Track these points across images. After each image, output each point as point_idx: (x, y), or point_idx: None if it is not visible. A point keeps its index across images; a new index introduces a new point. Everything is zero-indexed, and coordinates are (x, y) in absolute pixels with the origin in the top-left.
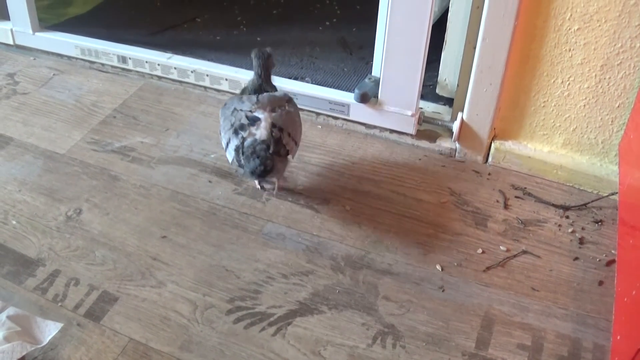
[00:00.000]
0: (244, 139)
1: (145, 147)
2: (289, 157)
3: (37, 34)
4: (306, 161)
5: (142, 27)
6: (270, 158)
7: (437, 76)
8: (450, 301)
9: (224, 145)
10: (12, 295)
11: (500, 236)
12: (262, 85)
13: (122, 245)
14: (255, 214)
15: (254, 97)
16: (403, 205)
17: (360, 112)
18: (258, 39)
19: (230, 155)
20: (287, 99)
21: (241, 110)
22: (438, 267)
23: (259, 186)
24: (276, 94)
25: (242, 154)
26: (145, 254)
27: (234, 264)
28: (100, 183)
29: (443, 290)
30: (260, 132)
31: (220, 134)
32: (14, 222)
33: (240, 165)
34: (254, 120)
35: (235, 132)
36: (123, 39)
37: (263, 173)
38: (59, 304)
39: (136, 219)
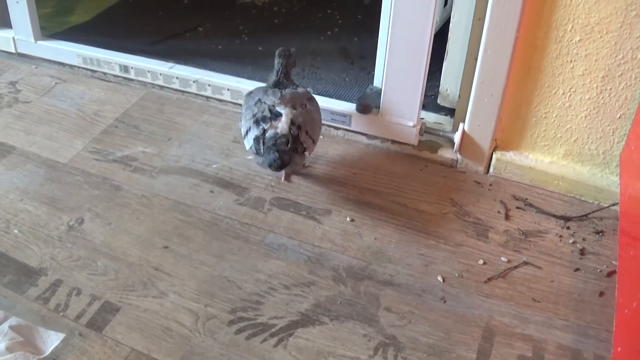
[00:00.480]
0: (265, 130)
1: (147, 157)
2: (306, 153)
3: (39, 42)
4: (308, 172)
5: (144, 35)
6: (287, 153)
7: (438, 86)
8: (452, 312)
9: (242, 133)
10: (14, 305)
11: (501, 247)
12: (282, 81)
13: (124, 255)
14: (256, 225)
15: (278, 92)
16: (404, 216)
17: (362, 123)
18: (260, 48)
19: (248, 143)
20: (309, 97)
21: (265, 102)
22: (439, 278)
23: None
24: (298, 90)
25: (263, 144)
26: (147, 264)
27: (236, 274)
28: (102, 193)
29: (444, 302)
30: (282, 126)
31: (240, 120)
32: (15, 231)
33: (258, 153)
34: (276, 115)
35: (257, 123)
36: (125, 48)
37: (280, 166)
38: (61, 313)
39: (138, 229)
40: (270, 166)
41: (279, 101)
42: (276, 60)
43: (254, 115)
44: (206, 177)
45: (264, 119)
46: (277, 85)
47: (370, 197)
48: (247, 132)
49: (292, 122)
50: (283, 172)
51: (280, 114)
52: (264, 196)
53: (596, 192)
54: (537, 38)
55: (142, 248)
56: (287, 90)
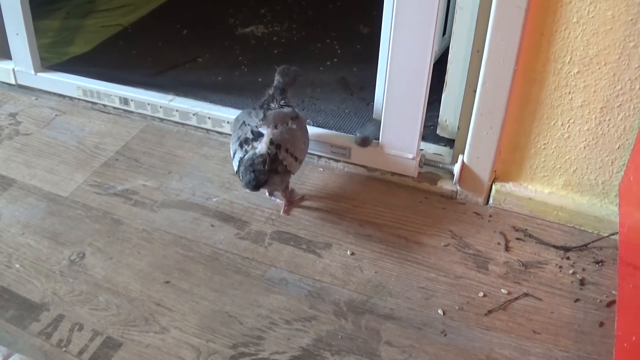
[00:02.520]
0: (246, 152)
1: (148, 191)
2: (290, 172)
3: (39, 74)
4: (308, 205)
5: (144, 66)
6: (263, 172)
7: (437, 117)
8: (452, 346)
9: (231, 155)
10: (17, 341)
11: (501, 279)
12: (275, 97)
13: (125, 291)
14: (257, 259)
15: (261, 113)
16: (405, 249)
17: (362, 155)
18: (259, 79)
19: (235, 165)
20: (293, 116)
21: (248, 125)
22: (440, 311)
23: (269, 196)
24: (284, 110)
25: (240, 166)
26: (149, 299)
27: (237, 309)
28: (103, 227)
29: (445, 335)
30: (261, 146)
31: (230, 144)
32: (17, 266)
33: (238, 174)
34: (258, 135)
35: (240, 145)
36: (125, 79)
37: (256, 186)
38: (64, 349)
39: (139, 263)
40: (246, 186)
41: (261, 122)
42: (276, 77)
43: (238, 138)
44: (207, 211)
45: (246, 141)
46: (268, 101)
47: (371, 230)
48: (234, 155)
49: (271, 142)
50: (283, 206)
51: (262, 134)
52: (265, 230)
53: (596, 222)
54: (536, 70)
55: (144, 283)
56: (271, 110)
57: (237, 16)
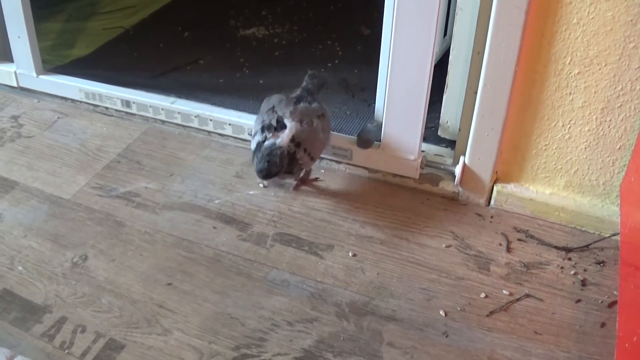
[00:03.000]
0: (266, 138)
1: (150, 193)
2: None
3: (40, 76)
4: (310, 206)
5: (146, 69)
6: (277, 165)
7: (439, 118)
8: (454, 347)
9: (252, 134)
10: (20, 342)
11: (503, 280)
12: (304, 96)
13: (127, 292)
14: (259, 261)
15: (292, 104)
16: (406, 250)
17: (363, 157)
18: (261, 81)
19: (252, 145)
20: (320, 113)
21: (276, 112)
22: (441, 312)
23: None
24: (312, 106)
25: (259, 150)
26: (151, 301)
27: (239, 311)
28: (105, 229)
29: (447, 336)
30: (282, 138)
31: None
32: (20, 268)
33: (254, 157)
34: (282, 127)
35: (262, 129)
36: (126, 82)
37: (266, 177)
38: (66, 351)
39: (141, 265)
40: (257, 173)
41: (289, 114)
42: (305, 79)
43: (262, 122)
44: (209, 213)
45: (269, 128)
46: (299, 99)
47: (372, 232)
48: (254, 135)
49: (292, 139)
50: (295, 179)
51: (285, 127)
52: (267, 232)
53: (597, 223)
54: (536, 71)
55: (146, 285)
56: (302, 104)
57: (239, 18)
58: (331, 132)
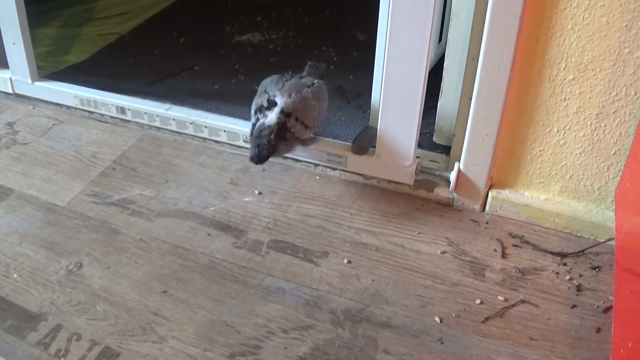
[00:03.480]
0: (258, 119)
1: (145, 200)
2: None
3: (36, 83)
4: (305, 213)
5: (141, 75)
6: (267, 146)
7: (434, 124)
8: (449, 353)
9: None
10: (15, 350)
11: (498, 286)
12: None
13: (123, 300)
14: (254, 268)
15: (281, 83)
16: (401, 257)
17: (358, 163)
18: (256, 87)
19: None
20: (310, 84)
21: (268, 92)
22: (437, 319)
23: None
24: (302, 80)
25: (251, 134)
26: (146, 309)
27: (234, 318)
28: (100, 237)
29: (442, 343)
30: (271, 117)
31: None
32: (15, 276)
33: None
34: (272, 104)
35: (255, 112)
36: (122, 88)
37: (258, 162)
38: (62, 359)
39: (136, 273)
40: (251, 160)
41: (277, 91)
42: (306, 69)
43: (256, 105)
44: (204, 220)
45: (260, 109)
46: (292, 76)
47: (367, 238)
48: (251, 119)
49: (281, 111)
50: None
51: (275, 103)
52: (262, 239)
53: (592, 228)
54: (531, 77)
55: (141, 293)
56: (291, 80)
57: (234, 24)
58: (323, 138)
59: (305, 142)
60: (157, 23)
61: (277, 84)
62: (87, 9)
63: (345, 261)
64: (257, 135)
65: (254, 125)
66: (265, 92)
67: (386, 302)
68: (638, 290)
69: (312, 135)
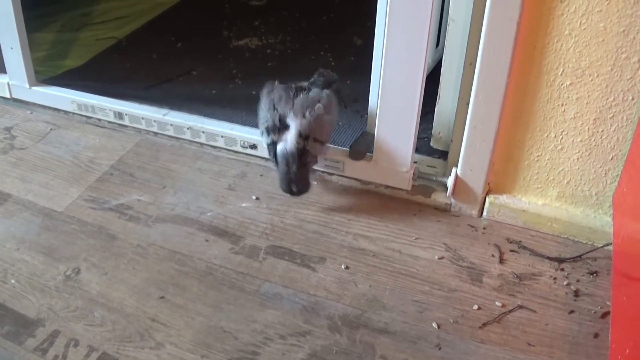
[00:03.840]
0: (274, 141)
1: (142, 205)
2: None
3: (33, 88)
4: (302, 218)
5: (138, 80)
6: (295, 180)
7: (431, 128)
8: (447, 359)
9: (259, 131)
10: (13, 356)
11: (495, 291)
12: (304, 87)
13: (120, 306)
14: (252, 274)
15: (291, 101)
16: (399, 262)
17: (355, 169)
18: (253, 92)
19: (263, 142)
20: (319, 98)
21: (277, 110)
22: (434, 324)
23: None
24: (310, 94)
25: (275, 156)
26: (144, 315)
27: (232, 324)
28: (98, 242)
29: (439, 348)
30: (290, 140)
31: (258, 114)
32: (13, 281)
33: (273, 161)
34: (285, 126)
35: (267, 131)
36: (119, 93)
37: (295, 194)
38: None
39: (134, 279)
40: (285, 192)
41: (289, 112)
42: (314, 76)
43: (266, 121)
44: (201, 226)
45: (273, 129)
46: (298, 89)
47: (365, 244)
48: (261, 134)
49: (299, 135)
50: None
51: (288, 126)
52: (259, 244)
53: (590, 233)
54: (528, 83)
55: (139, 298)
56: (299, 98)
57: (231, 29)
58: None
59: (320, 155)
60: (155, 27)
61: (286, 101)
62: (85, 13)
63: (342, 267)
64: (284, 168)
65: (269, 145)
66: (275, 109)
67: (384, 308)
68: (635, 295)
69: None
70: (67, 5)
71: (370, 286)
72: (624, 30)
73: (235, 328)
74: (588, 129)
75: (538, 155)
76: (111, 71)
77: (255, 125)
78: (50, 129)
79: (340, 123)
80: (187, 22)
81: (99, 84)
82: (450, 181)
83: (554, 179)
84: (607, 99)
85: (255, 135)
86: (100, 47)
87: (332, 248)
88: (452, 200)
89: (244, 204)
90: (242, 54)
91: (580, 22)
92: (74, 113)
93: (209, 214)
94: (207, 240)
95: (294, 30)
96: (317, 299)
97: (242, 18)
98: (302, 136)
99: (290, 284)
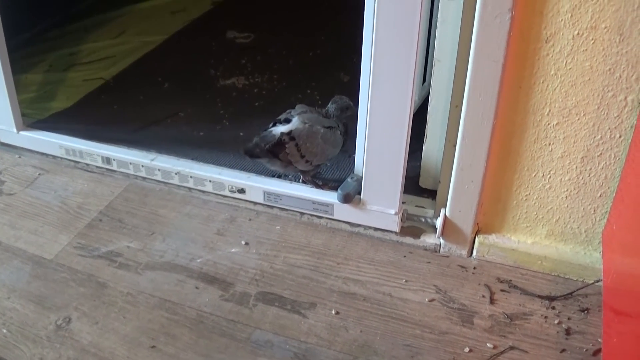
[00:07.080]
0: (273, 124)
1: (132, 252)
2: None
3: (21, 132)
4: (292, 263)
5: (126, 122)
6: (260, 148)
7: (419, 167)
8: None
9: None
10: None
11: (487, 333)
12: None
13: (111, 356)
14: (242, 321)
15: (306, 111)
16: (389, 306)
17: (344, 212)
18: (241, 134)
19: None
20: (328, 126)
21: (290, 111)
22: None
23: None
24: (325, 118)
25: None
26: None
27: None
28: (88, 290)
29: None
30: (279, 130)
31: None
32: (4, 331)
33: None
34: (287, 122)
35: (274, 121)
36: (107, 137)
37: (246, 152)
38: None
39: (125, 328)
40: (244, 152)
41: (298, 115)
42: (329, 104)
43: (279, 116)
44: (191, 273)
45: (278, 121)
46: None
47: (355, 288)
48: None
49: (289, 132)
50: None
51: (289, 121)
52: (249, 291)
53: (580, 270)
54: (515, 123)
55: (130, 348)
56: (315, 113)
57: (218, 67)
58: (309, 186)
59: (304, 174)
60: (142, 67)
61: (302, 109)
62: (72, 52)
63: (333, 312)
64: (262, 136)
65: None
66: (290, 112)
67: (375, 353)
68: (626, 331)
69: (311, 168)
70: (54, 45)
71: (361, 331)
72: (609, 69)
73: None
74: (576, 167)
75: (526, 195)
76: (99, 113)
77: (242, 168)
78: (39, 174)
79: (328, 163)
80: (173, 60)
81: (87, 127)
82: (439, 222)
83: (542, 217)
84: (595, 137)
85: (244, 180)
86: (87, 89)
87: (322, 293)
88: (442, 241)
89: (233, 249)
90: (230, 93)
91: (566, 62)
92: (62, 158)
93: (198, 260)
94: (197, 288)
95: (280, 68)
96: (308, 345)
97: (228, 56)
98: (289, 135)
99: (281, 331)
